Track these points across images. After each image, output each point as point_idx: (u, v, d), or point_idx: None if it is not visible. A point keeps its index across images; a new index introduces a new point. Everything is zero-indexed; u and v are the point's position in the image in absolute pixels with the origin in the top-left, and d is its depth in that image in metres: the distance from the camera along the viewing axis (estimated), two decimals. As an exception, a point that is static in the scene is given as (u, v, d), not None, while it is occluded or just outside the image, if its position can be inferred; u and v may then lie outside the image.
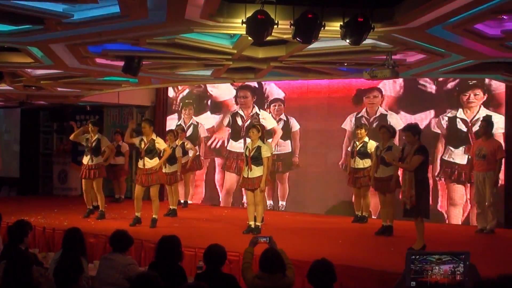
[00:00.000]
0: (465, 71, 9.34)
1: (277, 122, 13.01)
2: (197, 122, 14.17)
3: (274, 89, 13.07)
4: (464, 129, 10.87)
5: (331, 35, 6.55)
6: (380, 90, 11.80)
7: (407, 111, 11.47)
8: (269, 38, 6.33)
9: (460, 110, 10.96)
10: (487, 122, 9.84)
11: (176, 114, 14.53)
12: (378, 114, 11.73)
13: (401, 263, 6.92)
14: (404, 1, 6.03)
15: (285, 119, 12.93)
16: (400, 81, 11.38)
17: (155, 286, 4.14)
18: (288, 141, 12.89)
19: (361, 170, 10.33)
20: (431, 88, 11.27)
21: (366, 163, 10.27)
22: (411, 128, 8.11)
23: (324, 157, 12.44)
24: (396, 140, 10.23)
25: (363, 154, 10.29)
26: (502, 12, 5.73)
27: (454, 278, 4.04)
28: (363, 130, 10.41)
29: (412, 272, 3.98)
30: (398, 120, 11.40)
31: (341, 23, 6.14)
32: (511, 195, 10.40)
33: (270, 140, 12.20)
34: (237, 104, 13.63)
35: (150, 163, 10.06)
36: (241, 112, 13.55)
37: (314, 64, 9.52)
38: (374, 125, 11.41)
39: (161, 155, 10.37)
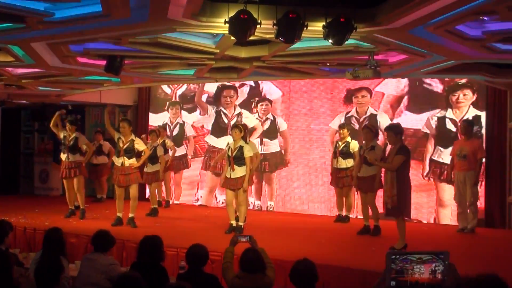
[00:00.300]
0: (447, 72, 9.41)
1: (264, 121, 12.99)
2: (183, 121, 14.11)
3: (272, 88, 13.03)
4: (453, 129, 10.94)
5: (314, 35, 6.55)
6: (369, 90, 11.81)
7: (413, 111, 11.46)
8: (252, 37, 6.33)
9: (450, 110, 11.03)
10: (468, 123, 9.94)
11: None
12: (368, 114, 11.73)
13: (383, 262, 6.99)
14: (386, 2, 6.06)
15: (272, 119, 12.92)
16: (404, 80, 11.43)
17: (137, 287, 4.12)
18: (275, 141, 12.89)
19: (344, 170, 10.37)
20: (437, 87, 11.31)
21: (348, 163, 10.32)
22: (392, 128, 8.16)
23: (312, 156, 12.45)
24: (382, 140, 10.28)
25: (346, 154, 10.33)
26: (483, 13, 5.78)
27: (434, 278, 4.06)
28: (345, 130, 10.46)
29: (393, 272, 3.99)
30: (388, 120, 11.42)
31: (324, 23, 6.16)
32: (491, 195, 10.50)
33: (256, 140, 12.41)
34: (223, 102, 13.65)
35: (129, 162, 10.08)
36: (224, 110, 13.53)
37: (297, 64, 9.54)
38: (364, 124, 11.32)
39: (141, 155, 10.44)
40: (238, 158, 9.27)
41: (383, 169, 8.93)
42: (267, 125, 12.98)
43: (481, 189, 10.47)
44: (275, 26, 6.04)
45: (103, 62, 8.52)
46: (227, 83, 13.30)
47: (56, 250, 5.91)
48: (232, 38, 6.59)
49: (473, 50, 7.47)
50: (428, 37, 6.78)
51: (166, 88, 14.39)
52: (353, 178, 10.00)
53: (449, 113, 11.03)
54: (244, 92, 13.35)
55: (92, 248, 6.11)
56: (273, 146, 12.88)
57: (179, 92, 14.28)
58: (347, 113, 12.00)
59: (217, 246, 7.60)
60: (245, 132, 9.70)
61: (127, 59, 8.75)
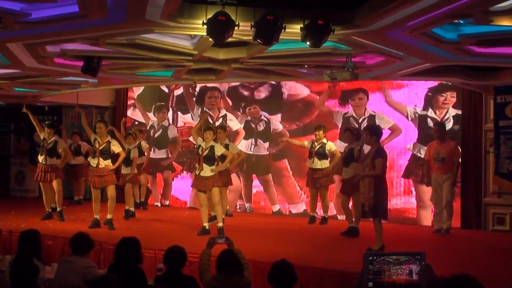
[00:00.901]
0: (424, 74, 9.50)
1: (257, 123, 12.85)
2: (168, 123, 14.03)
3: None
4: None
5: (292, 37, 6.57)
6: (365, 92, 11.72)
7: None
8: (230, 39, 6.33)
9: (430, 109, 11.08)
10: (440, 126, 10.02)
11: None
12: (366, 115, 11.60)
13: (361, 263, 7.03)
14: (363, 5, 6.10)
15: (266, 120, 12.81)
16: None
17: None
18: (268, 143, 12.76)
19: (319, 170, 10.43)
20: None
21: (324, 163, 10.38)
22: (369, 129, 8.19)
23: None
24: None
25: (321, 154, 10.39)
26: (458, 16, 5.84)
27: (411, 278, 4.09)
28: (321, 132, 10.50)
29: (370, 273, 4.01)
30: (388, 120, 11.37)
31: (302, 25, 6.18)
32: (467, 197, 10.60)
33: (242, 143, 12.60)
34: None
35: (104, 163, 10.07)
36: (209, 111, 13.37)
37: (275, 66, 9.56)
38: (363, 126, 11.19)
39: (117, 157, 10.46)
40: (208, 158, 9.34)
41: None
42: (261, 126, 12.84)
43: (457, 191, 10.59)
44: (253, 28, 6.05)
45: (81, 63, 8.47)
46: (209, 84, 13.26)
47: (31, 253, 5.87)
48: (210, 39, 6.60)
49: (449, 53, 7.55)
50: (404, 39, 6.84)
51: (165, 89, 14.26)
52: (329, 178, 10.25)
53: (430, 112, 11.05)
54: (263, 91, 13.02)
55: (70, 250, 6.07)
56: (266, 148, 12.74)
57: (177, 92, 14.16)
58: (345, 113, 11.88)
59: (195, 247, 7.58)
60: (217, 134, 9.87)
61: (105, 60, 8.70)
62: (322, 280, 6.88)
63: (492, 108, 10.14)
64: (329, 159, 10.53)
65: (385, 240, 8.01)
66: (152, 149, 13.81)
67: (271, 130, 12.73)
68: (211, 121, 13.13)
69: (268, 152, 12.75)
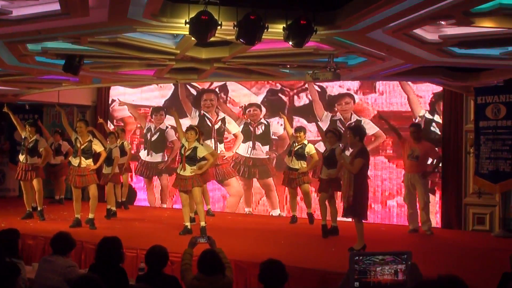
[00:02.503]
0: (405, 75, 9.56)
1: (256, 126, 12.68)
2: (166, 126, 13.76)
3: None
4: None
5: (274, 37, 6.59)
6: (351, 96, 11.67)
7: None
8: (212, 39, 6.33)
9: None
10: (418, 127, 10.11)
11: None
12: (353, 119, 11.49)
13: (343, 262, 7.06)
14: (346, 5, 6.13)
15: (266, 123, 12.61)
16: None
17: None
18: (267, 147, 12.58)
19: (295, 171, 10.47)
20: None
21: (301, 164, 10.42)
22: (352, 129, 8.22)
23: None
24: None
25: (300, 155, 10.43)
26: (439, 17, 5.88)
27: (397, 278, 4.11)
28: (302, 133, 10.52)
29: (356, 273, 4.03)
30: (372, 125, 11.35)
31: (284, 25, 6.20)
32: (447, 197, 10.69)
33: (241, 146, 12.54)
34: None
35: (85, 162, 10.02)
36: (207, 114, 13.20)
37: (258, 66, 9.58)
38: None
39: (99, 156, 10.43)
40: (191, 158, 9.35)
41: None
42: (260, 130, 12.67)
43: (438, 191, 10.69)
44: (235, 28, 6.06)
45: (62, 62, 8.42)
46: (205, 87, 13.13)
47: (8, 253, 5.85)
48: (193, 39, 6.59)
49: (430, 53, 7.60)
50: (386, 40, 6.88)
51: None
52: (306, 178, 10.41)
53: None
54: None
55: (50, 250, 6.03)
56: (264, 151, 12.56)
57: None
58: (333, 116, 11.82)
59: (177, 247, 7.57)
60: (200, 134, 9.92)
61: (86, 59, 8.67)
62: (303, 279, 6.89)
63: (473, 109, 10.23)
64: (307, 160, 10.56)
65: (366, 240, 8.04)
66: (150, 152, 13.71)
67: (271, 133, 12.59)
68: (210, 124, 13.01)
69: (267, 156, 12.60)
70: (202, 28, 5.97)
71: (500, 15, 5.66)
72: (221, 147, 12.99)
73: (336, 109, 11.85)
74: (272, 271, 4.82)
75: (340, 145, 9.45)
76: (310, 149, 10.42)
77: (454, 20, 5.89)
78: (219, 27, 5.98)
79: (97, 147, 10.22)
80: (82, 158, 9.99)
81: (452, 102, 10.79)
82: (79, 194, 10.19)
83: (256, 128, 12.70)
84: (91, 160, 10.11)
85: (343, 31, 6.54)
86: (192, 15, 5.95)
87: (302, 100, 12.29)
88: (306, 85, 12.08)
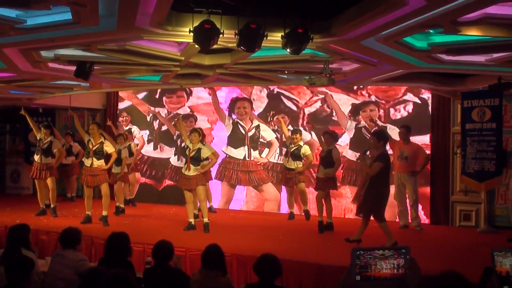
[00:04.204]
0: (396, 80, 9.56)
1: (282, 134, 12.06)
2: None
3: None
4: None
5: (273, 44, 6.59)
6: (377, 104, 11.51)
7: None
8: (215, 46, 6.33)
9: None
10: (407, 129, 10.11)
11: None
12: (377, 126, 11.08)
13: (338, 256, 7.07)
14: (340, 15, 6.13)
15: (291, 130, 12.05)
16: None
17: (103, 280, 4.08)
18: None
19: (292, 170, 10.47)
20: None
21: (297, 164, 10.41)
22: (377, 134, 8.12)
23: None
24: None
25: (296, 156, 10.42)
26: (428, 26, 5.88)
27: (397, 272, 4.10)
28: (298, 135, 10.52)
29: (357, 267, 4.01)
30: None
31: (282, 34, 6.20)
32: (436, 194, 10.70)
33: (266, 152, 12.41)
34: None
35: (97, 163, 10.02)
36: (241, 122, 12.91)
37: (257, 72, 9.58)
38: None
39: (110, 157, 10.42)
40: (195, 159, 9.34)
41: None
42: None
43: (427, 189, 10.69)
44: (237, 36, 6.06)
45: (73, 68, 8.42)
46: (240, 96, 12.93)
47: (21, 246, 5.87)
48: (196, 46, 6.59)
49: (419, 60, 7.60)
50: (378, 48, 6.88)
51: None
52: (302, 177, 10.40)
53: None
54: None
55: (62, 245, 6.03)
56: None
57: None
58: (357, 124, 11.64)
59: (182, 242, 7.61)
60: (203, 136, 9.91)
61: (96, 65, 8.67)
62: (299, 272, 6.89)
63: (459, 112, 10.23)
64: (303, 161, 10.53)
65: (366, 238, 8.01)
66: (180, 158, 13.23)
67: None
68: (244, 132, 12.79)
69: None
70: (205, 36, 5.97)
71: (485, 24, 5.66)
72: (254, 154, 12.71)
73: (360, 116, 11.66)
74: (266, 265, 4.82)
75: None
76: (305, 150, 10.41)
77: (442, 28, 5.89)
78: (221, 35, 5.98)
79: (109, 148, 10.23)
80: (94, 159, 9.99)
81: (440, 106, 10.81)
82: (90, 193, 10.20)
83: (283, 135, 12.25)
84: (102, 160, 10.10)
85: (338, 39, 6.54)
86: (196, 24, 5.95)
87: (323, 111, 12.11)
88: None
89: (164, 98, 13.80)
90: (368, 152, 8.28)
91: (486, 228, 9.81)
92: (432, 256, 7.53)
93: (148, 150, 13.95)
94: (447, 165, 10.67)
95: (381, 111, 11.48)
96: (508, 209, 8.92)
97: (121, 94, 14.27)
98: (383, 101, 11.51)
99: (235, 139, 12.91)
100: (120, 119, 14.23)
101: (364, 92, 11.60)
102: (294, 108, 12.25)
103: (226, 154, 12.95)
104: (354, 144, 11.55)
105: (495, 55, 7.33)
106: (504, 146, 9.58)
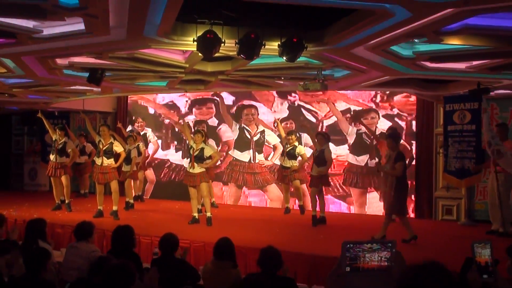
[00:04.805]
0: (383, 85, 9.56)
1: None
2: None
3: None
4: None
5: (270, 52, 6.58)
6: (377, 112, 11.41)
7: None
8: (217, 54, 6.33)
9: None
10: (393, 131, 10.10)
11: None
12: (378, 133, 10.89)
13: (330, 247, 7.06)
14: (332, 25, 6.13)
15: (298, 136, 11.74)
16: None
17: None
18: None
19: (287, 168, 10.48)
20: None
21: (292, 163, 10.41)
22: (393, 136, 8.01)
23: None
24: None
25: (291, 155, 10.43)
26: (413, 36, 5.89)
27: (383, 264, 4.09)
28: (293, 136, 10.52)
29: (348, 259, 4.01)
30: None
31: (279, 43, 6.20)
32: (420, 191, 10.71)
33: (271, 155, 12.26)
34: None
35: (107, 162, 10.05)
36: (247, 127, 12.78)
37: (256, 78, 9.57)
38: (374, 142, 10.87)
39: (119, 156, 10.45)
40: (199, 158, 9.34)
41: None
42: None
43: (412, 185, 10.69)
44: (237, 45, 6.06)
45: (86, 74, 8.42)
46: (247, 103, 12.78)
47: (38, 238, 5.90)
48: (200, 54, 6.58)
49: (405, 67, 7.61)
50: (367, 55, 6.88)
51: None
52: (297, 174, 10.38)
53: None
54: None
55: (76, 238, 6.04)
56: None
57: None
58: (358, 129, 11.51)
59: (186, 234, 7.61)
60: (206, 137, 9.90)
61: (107, 72, 8.66)
62: (294, 262, 6.88)
63: (442, 115, 10.25)
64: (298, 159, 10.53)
65: (350, 228, 8.02)
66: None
67: (303, 144, 11.77)
68: (249, 136, 12.67)
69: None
70: (208, 45, 5.97)
71: (465, 34, 5.66)
72: (259, 157, 12.58)
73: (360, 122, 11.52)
74: (270, 257, 4.81)
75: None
76: (300, 150, 10.41)
77: (426, 38, 5.89)
78: (222, 44, 5.98)
79: (118, 148, 10.26)
80: (104, 158, 10.02)
81: (424, 109, 10.82)
82: (102, 189, 10.22)
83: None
84: (112, 159, 10.13)
85: (330, 48, 6.54)
86: (199, 34, 5.96)
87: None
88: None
89: (194, 110, 13.54)
90: (377, 160, 8.14)
91: (466, 222, 9.82)
92: (416, 247, 7.54)
93: (176, 158, 13.68)
94: (431, 163, 10.67)
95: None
96: (486, 204, 8.92)
97: (146, 103, 14.12)
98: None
99: (241, 143, 12.83)
100: (136, 124, 14.20)
101: (363, 101, 11.54)
102: (314, 120, 11.99)
103: (233, 157, 12.89)
104: (355, 148, 11.48)
105: (475, 63, 7.34)
106: (483, 146, 9.60)
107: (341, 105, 11.75)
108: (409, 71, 7.95)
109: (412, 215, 10.63)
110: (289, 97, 12.22)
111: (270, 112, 12.53)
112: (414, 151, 10.72)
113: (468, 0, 4.44)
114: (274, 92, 12.27)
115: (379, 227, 7.84)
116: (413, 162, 10.49)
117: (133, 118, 14.29)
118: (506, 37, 5.66)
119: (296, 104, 12.29)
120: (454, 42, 5.93)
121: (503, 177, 8.55)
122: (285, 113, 12.37)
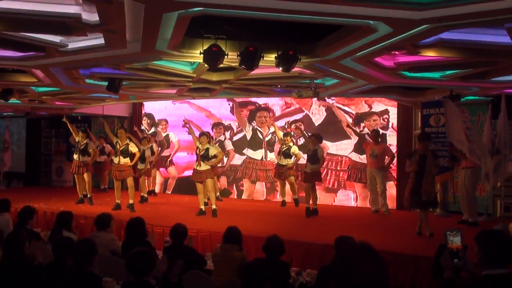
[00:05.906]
0: (368, 92, 9.56)
1: (298, 139, 12.05)
2: (224, 137, 13.11)
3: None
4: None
5: (268, 64, 6.59)
6: (378, 114, 11.27)
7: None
8: (221, 65, 6.33)
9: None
10: (377, 132, 10.13)
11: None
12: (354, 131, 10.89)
13: (321, 236, 7.06)
14: (323, 39, 6.14)
15: (306, 136, 11.79)
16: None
17: None
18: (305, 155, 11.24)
19: (283, 166, 10.44)
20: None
21: (287, 161, 10.37)
22: (424, 138, 7.76)
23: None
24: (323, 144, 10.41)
25: (287, 154, 10.39)
26: (394, 49, 5.89)
27: None
28: (288, 137, 10.47)
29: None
30: (394, 138, 11.04)
31: (276, 55, 6.20)
32: (401, 185, 10.67)
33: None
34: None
35: (123, 160, 10.05)
36: (259, 129, 12.66)
37: (256, 86, 9.57)
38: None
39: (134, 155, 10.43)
40: (204, 157, 9.37)
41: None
42: (300, 142, 11.97)
43: (394, 180, 10.69)
44: (239, 57, 6.07)
45: (106, 83, 8.42)
46: (262, 105, 12.65)
47: (65, 228, 5.98)
48: (206, 65, 6.58)
49: (387, 76, 7.60)
50: (354, 66, 6.88)
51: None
52: (291, 171, 10.31)
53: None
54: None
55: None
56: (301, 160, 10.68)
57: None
58: (361, 131, 11.25)
59: (194, 224, 7.60)
60: (210, 138, 9.98)
61: (124, 81, 8.67)
62: (290, 250, 6.86)
63: (420, 118, 10.25)
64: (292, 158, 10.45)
65: (342, 219, 7.99)
66: None
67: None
68: (261, 137, 12.60)
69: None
70: (213, 57, 5.97)
71: (439, 47, 5.67)
72: (270, 155, 12.46)
73: (364, 124, 11.40)
74: (274, 245, 4.85)
75: (319, 146, 9.40)
76: (294, 149, 10.37)
77: (405, 51, 5.90)
78: (226, 56, 5.99)
79: (133, 148, 10.24)
80: (121, 157, 10.02)
81: (404, 113, 10.82)
82: (119, 185, 10.22)
83: (298, 140, 12.10)
84: (128, 158, 10.12)
85: (321, 59, 6.55)
86: (205, 47, 5.96)
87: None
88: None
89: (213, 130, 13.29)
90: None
91: (441, 213, 9.81)
92: (397, 235, 7.54)
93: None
94: (410, 161, 10.64)
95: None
96: (458, 197, 8.91)
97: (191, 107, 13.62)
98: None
99: (254, 143, 12.76)
100: (160, 126, 14.15)
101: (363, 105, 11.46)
102: (350, 120, 11.56)
103: (247, 155, 12.83)
104: (357, 148, 11.36)
105: (448, 72, 7.34)
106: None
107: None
108: (391, 80, 7.94)
109: (394, 206, 10.62)
110: (327, 100, 11.78)
111: (309, 114, 12.16)
112: (395, 150, 10.72)
113: (442, 17, 4.45)
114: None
115: (365, 217, 7.83)
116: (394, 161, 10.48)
117: (156, 121, 14.23)
118: (474, 49, 5.67)
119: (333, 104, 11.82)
120: (430, 54, 5.93)
121: (469, 172, 8.58)
122: (323, 115, 11.96)
